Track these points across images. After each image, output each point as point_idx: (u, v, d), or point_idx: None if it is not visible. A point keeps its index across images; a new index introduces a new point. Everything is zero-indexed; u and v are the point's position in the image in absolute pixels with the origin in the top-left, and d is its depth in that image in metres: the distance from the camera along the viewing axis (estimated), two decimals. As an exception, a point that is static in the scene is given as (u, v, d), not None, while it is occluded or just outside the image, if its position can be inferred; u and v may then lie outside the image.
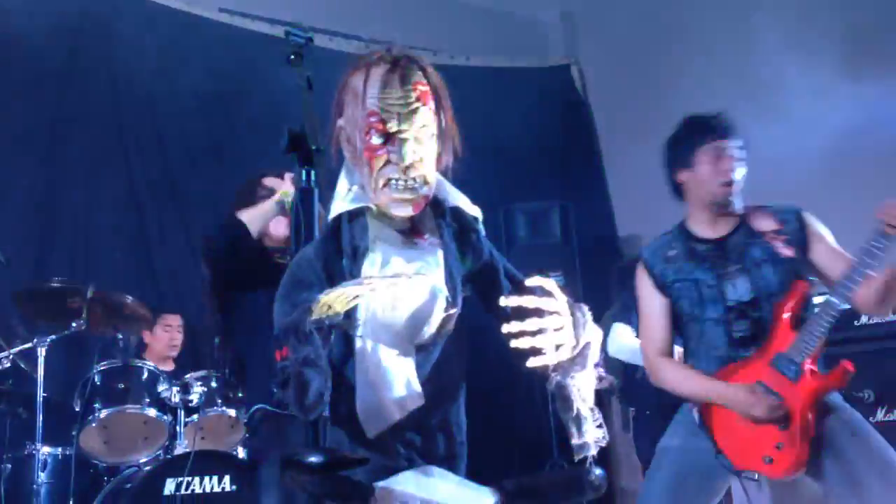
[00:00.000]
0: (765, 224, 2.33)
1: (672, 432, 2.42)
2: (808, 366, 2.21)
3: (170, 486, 3.10)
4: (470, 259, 1.59)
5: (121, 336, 3.63)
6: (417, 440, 1.49)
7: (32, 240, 4.20)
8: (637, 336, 3.00)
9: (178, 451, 3.37)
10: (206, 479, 3.14)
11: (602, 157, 5.85)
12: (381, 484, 1.39)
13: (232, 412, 3.42)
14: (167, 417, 3.45)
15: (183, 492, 3.09)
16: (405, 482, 1.40)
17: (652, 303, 2.41)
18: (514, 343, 1.30)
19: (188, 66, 4.45)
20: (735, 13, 4.86)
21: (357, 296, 1.26)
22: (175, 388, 3.46)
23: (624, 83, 5.55)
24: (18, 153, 4.20)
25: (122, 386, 3.44)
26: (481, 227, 1.63)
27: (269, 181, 2.62)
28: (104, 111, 4.47)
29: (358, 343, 1.42)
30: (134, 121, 4.56)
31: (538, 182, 5.39)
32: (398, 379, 1.43)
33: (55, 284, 3.45)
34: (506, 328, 1.30)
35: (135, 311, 3.53)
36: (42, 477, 3.31)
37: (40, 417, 3.31)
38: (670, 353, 2.46)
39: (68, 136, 4.40)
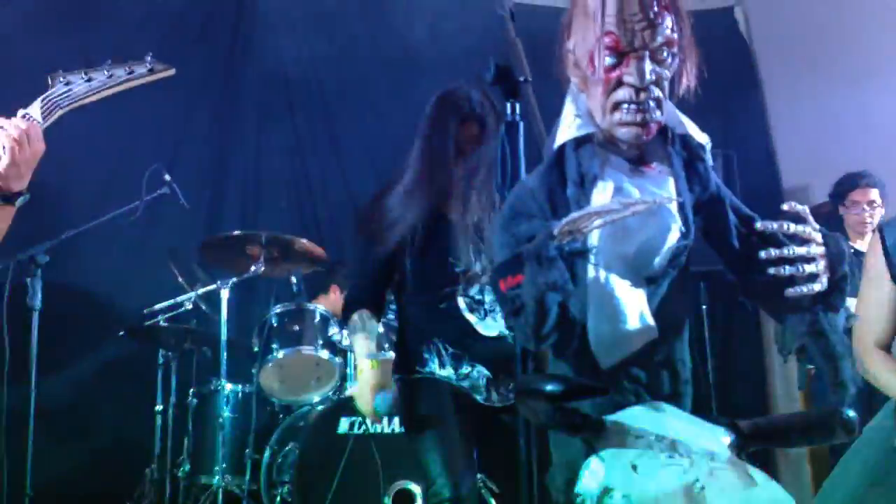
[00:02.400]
0: None
1: (884, 416, 2.11)
2: None
3: (344, 425, 3.20)
4: (697, 189, 1.50)
5: (294, 279, 3.77)
6: (643, 376, 1.43)
7: (207, 189, 4.41)
8: None
9: (349, 392, 3.47)
10: (378, 419, 3.22)
11: (767, 105, 5.51)
12: (612, 418, 1.35)
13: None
14: (338, 359, 3.57)
15: (356, 431, 3.19)
16: (636, 417, 1.35)
17: (881, 289, 2.19)
18: (771, 270, 1.21)
19: (352, 24, 4.53)
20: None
21: (603, 220, 1.21)
22: (345, 332, 3.56)
23: (791, 28, 5.16)
24: (194, 109, 4.41)
25: (296, 328, 3.58)
26: (709, 156, 1.53)
27: None
28: (270, 67, 4.59)
29: (591, 272, 1.37)
30: (298, 76, 4.66)
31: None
32: (632, 310, 1.38)
33: (236, 233, 3.64)
34: (763, 254, 1.21)
35: (308, 253, 3.65)
36: (226, 411, 3.50)
37: (224, 355, 3.50)
38: (887, 345, 2.22)
39: (238, 92, 4.57)
